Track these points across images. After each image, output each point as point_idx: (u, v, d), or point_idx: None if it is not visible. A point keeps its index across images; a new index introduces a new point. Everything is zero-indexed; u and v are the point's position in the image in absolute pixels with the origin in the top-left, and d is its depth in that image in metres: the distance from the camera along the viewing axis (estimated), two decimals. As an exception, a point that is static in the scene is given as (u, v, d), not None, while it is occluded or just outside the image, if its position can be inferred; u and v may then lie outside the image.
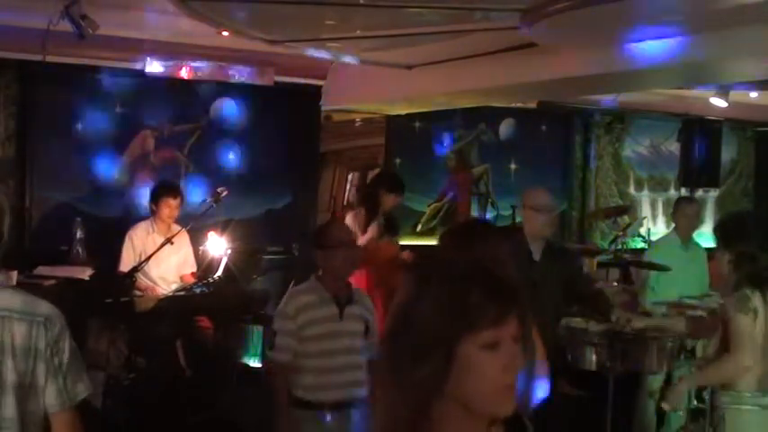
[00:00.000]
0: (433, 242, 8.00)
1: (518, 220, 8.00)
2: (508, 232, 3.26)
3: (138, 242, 5.93)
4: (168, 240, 5.57)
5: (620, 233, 7.30)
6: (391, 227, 6.21)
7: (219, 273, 5.74)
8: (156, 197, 6.00)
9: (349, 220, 5.97)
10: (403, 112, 7.71)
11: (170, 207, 5.92)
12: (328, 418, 3.63)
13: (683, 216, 5.95)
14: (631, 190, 9.39)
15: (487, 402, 1.48)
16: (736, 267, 3.52)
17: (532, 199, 4.50)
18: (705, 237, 9.24)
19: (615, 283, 6.03)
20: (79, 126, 6.73)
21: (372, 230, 5.93)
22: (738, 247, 3.56)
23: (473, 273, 1.53)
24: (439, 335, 1.46)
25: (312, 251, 3.80)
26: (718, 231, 3.85)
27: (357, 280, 5.43)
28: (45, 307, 2.26)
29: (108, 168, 6.84)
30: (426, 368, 1.46)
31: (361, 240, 5.74)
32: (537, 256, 4.34)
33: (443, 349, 1.46)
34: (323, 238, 3.77)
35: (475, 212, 8.51)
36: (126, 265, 5.82)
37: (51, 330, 2.23)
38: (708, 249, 6.23)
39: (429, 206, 8.26)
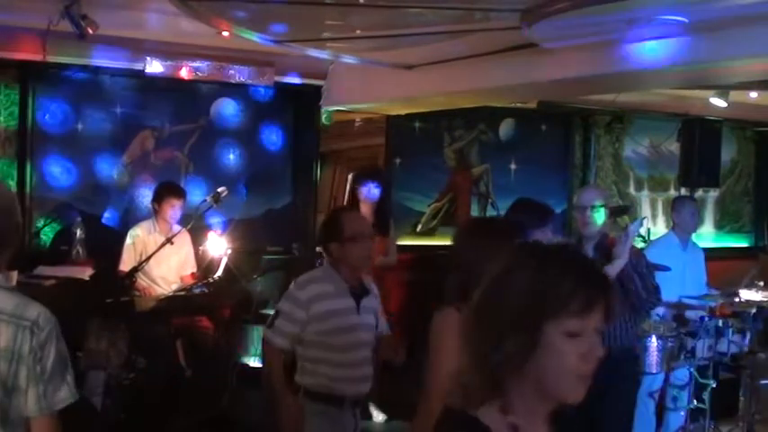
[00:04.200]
0: (432, 242, 8.02)
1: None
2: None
3: (140, 242, 5.93)
4: (168, 240, 5.57)
5: (620, 233, 7.30)
6: (380, 224, 5.92)
7: (219, 273, 5.74)
8: (159, 197, 5.99)
9: None
10: (403, 112, 7.71)
11: (173, 207, 5.92)
12: (344, 411, 3.52)
13: (683, 216, 5.94)
14: (631, 190, 9.39)
15: (562, 388, 1.53)
16: None
17: (575, 198, 4.60)
18: (705, 237, 9.31)
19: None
20: (79, 126, 6.73)
21: None
22: None
23: (569, 260, 1.57)
24: (527, 316, 1.50)
25: (326, 244, 3.61)
26: None
27: None
28: (35, 311, 2.23)
29: (108, 168, 6.84)
30: (511, 345, 1.50)
31: None
32: None
33: (529, 330, 1.50)
34: (339, 229, 3.55)
35: (475, 212, 8.51)
36: (127, 264, 5.82)
37: (37, 336, 2.20)
38: (704, 250, 6.26)
39: (429, 206, 8.26)
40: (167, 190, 6.02)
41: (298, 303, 3.50)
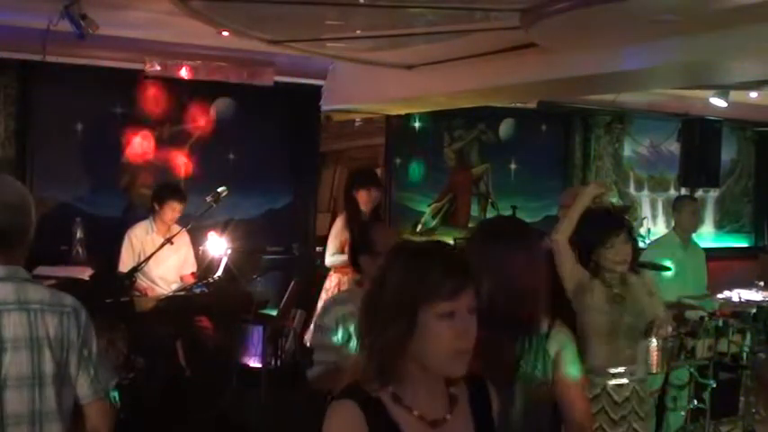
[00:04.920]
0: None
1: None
2: (540, 232, 3.14)
3: (138, 242, 5.93)
4: (168, 240, 5.56)
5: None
6: None
7: (219, 273, 5.74)
8: (160, 199, 5.97)
9: (338, 224, 5.91)
10: (403, 112, 7.71)
11: (174, 210, 5.91)
12: None
13: (683, 215, 5.94)
14: (631, 190, 9.40)
15: (442, 364, 1.75)
16: None
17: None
18: (705, 237, 9.31)
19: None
20: (79, 126, 6.73)
21: (341, 234, 5.83)
22: None
23: (434, 250, 1.82)
24: (403, 303, 1.74)
25: (356, 257, 3.48)
26: None
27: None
28: (69, 298, 2.28)
29: (108, 168, 6.84)
30: (392, 330, 1.73)
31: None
32: None
33: (406, 315, 1.73)
34: (371, 242, 3.41)
35: (475, 212, 8.51)
36: (125, 264, 5.81)
37: (80, 320, 2.26)
38: (705, 250, 6.26)
39: (429, 206, 8.26)
40: (170, 193, 5.99)
41: (327, 330, 3.33)
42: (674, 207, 6.11)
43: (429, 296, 1.71)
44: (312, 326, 3.48)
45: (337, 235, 5.82)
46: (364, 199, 5.79)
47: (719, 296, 5.63)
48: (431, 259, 1.77)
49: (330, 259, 5.80)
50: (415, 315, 1.72)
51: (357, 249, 3.52)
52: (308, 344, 3.49)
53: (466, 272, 1.77)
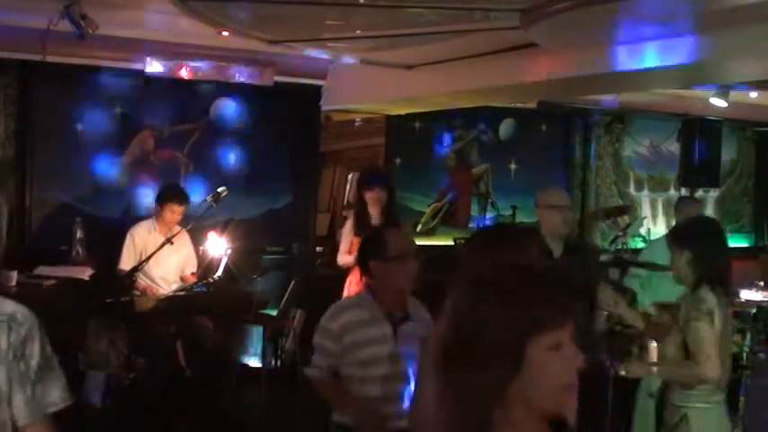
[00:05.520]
0: (433, 242, 8.02)
1: (519, 220, 8.03)
2: (535, 235, 3.11)
3: (140, 241, 5.93)
4: (168, 240, 5.57)
5: (620, 233, 7.30)
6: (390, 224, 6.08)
7: (219, 273, 5.74)
8: (161, 200, 5.98)
9: (349, 223, 5.95)
10: (403, 112, 7.71)
11: (174, 212, 5.90)
12: None
13: (685, 216, 5.94)
14: (631, 190, 9.39)
15: (554, 402, 1.50)
16: (695, 268, 3.51)
17: (548, 198, 4.54)
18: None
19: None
20: (79, 126, 6.73)
21: (348, 235, 5.87)
22: (697, 247, 3.53)
23: (535, 276, 1.57)
24: (507, 340, 1.47)
25: (366, 262, 3.34)
26: (677, 233, 3.78)
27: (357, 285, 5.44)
28: (11, 307, 2.05)
29: (108, 168, 6.84)
30: (493, 374, 1.47)
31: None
32: (557, 254, 4.34)
33: (512, 353, 1.47)
34: (383, 247, 3.28)
35: (475, 212, 8.51)
36: (127, 263, 5.82)
37: (16, 331, 2.01)
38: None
39: (429, 206, 8.26)
40: (171, 195, 5.98)
41: (330, 335, 3.27)
42: (676, 208, 6.14)
43: (537, 328, 1.48)
44: (318, 327, 3.36)
45: (348, 234, 5.86)
46: (371, 199, 5.83)
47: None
48: (532, 286, 1.53)
49: (341, 259, 5.83)
50: (522, 351, 1.47)
51: (366, 253, 3.37)
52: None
53: (572, 294, 1.55)
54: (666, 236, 3.95)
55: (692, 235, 3.62)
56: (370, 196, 5.81)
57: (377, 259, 3.28)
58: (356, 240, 5.75)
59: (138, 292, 5.67)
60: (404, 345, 3.20)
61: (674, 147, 8.94)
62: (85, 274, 5.79)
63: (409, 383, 3.16)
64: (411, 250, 3.32)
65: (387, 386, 3.20)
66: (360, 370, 3.22)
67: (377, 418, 3.17)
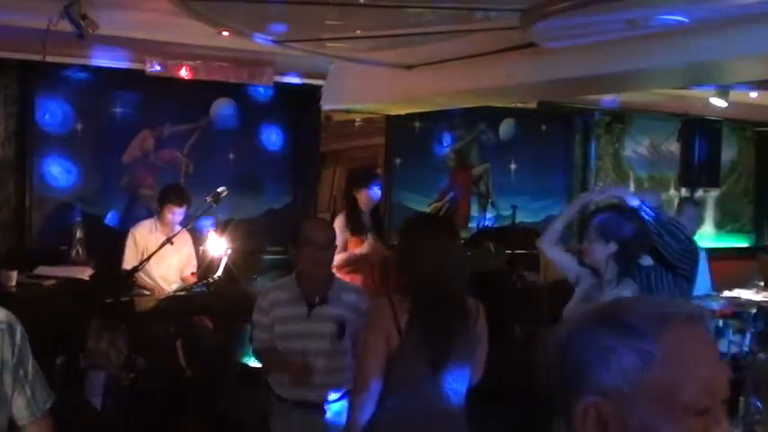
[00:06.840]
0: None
1: (519, 220, 8.03)
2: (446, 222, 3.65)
3: (141, 241, 5.94)
4: (168, 240, 5.57)
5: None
6: (377, 225, 5.98)
7: (219, 273, 5.74)
8: (161, 201, 5.99)
9: (338, 223, 5.92)
10: (403, 112, 7.71)
11: (173, 213, 5.92)
12: (299, 415, 3.57)
13: (687, 218, 5.95)
14: (631, 190, 9.40)
15: None
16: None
17: None
18: (705, 237, 9.30)
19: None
20: (79, 126, 6.73)
21: (341, 234, 5.86)
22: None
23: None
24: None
25: (288, 248, 3.84)
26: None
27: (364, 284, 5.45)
28: (2, 312, 2.11)
29: (108, 168, 6.84)
30: None
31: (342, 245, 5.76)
32: None
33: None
34: (296, 234, 3.74)
35: (475, 212, 8.52)
36: (128, 263, 5.82)
37: (14, 338, 2.08)
38: (705, 250, 6.26)
39: (429, 206, 8.26)
40: (171, 196, 6.00)
41: (261, 310, 3.68)
42: (678, 211, 6.14)
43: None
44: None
45: (340, 234, 5.83)
46: (364, 199, 5.80)
47: (719, 296, 5.63)
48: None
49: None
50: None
51: (291, 240, 3.76)
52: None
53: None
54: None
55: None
56: (362, 195, 5.81)
57: (294, 246, 3.69)
58: (353, 240, 5.78)
59: (147, 292, 5.71)
60: (317, 324, 3.55)
61: (674, 147, 8.94)
62: (85, 274, 5.79)
63: (323, 358, 3.52)
64: (315, 239, 3.62)
65: (303, 360, 3.53)
66: (281, 343, 3.59)
67: (305, 368, 3.51)
